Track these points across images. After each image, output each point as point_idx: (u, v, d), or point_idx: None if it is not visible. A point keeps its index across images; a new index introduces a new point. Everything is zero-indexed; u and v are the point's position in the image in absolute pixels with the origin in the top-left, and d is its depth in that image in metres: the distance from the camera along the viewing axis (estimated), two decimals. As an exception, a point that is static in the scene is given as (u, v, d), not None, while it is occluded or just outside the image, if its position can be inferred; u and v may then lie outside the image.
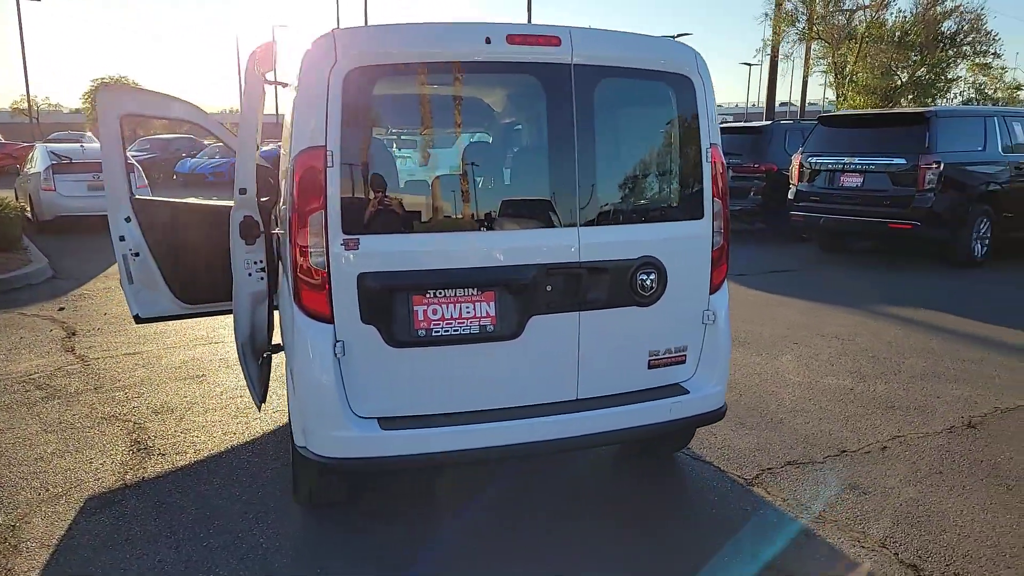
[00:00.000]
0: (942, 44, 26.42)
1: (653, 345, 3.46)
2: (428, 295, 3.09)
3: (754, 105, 67.59)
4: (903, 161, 9.46)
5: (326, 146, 2.94)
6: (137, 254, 5.41)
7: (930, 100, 25.72)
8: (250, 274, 3.65)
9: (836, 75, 28.03)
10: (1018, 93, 31.03)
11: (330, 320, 3.04)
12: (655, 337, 3.46)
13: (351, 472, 3.41)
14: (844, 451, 4.27)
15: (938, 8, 26.84)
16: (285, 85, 4.22)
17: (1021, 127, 10.58)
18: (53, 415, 4.89)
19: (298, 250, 3.02)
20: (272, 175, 4.28)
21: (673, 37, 5.30)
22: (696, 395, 3.48)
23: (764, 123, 13.77)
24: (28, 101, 42.92)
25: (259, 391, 4.00)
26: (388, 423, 3.11)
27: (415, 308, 3.09)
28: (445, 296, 3.11)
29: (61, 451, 4.34)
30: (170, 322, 5.86)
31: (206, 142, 33.66)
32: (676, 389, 3.50)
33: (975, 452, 4.25)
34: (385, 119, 3.08)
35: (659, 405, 3.39)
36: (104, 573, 3.15)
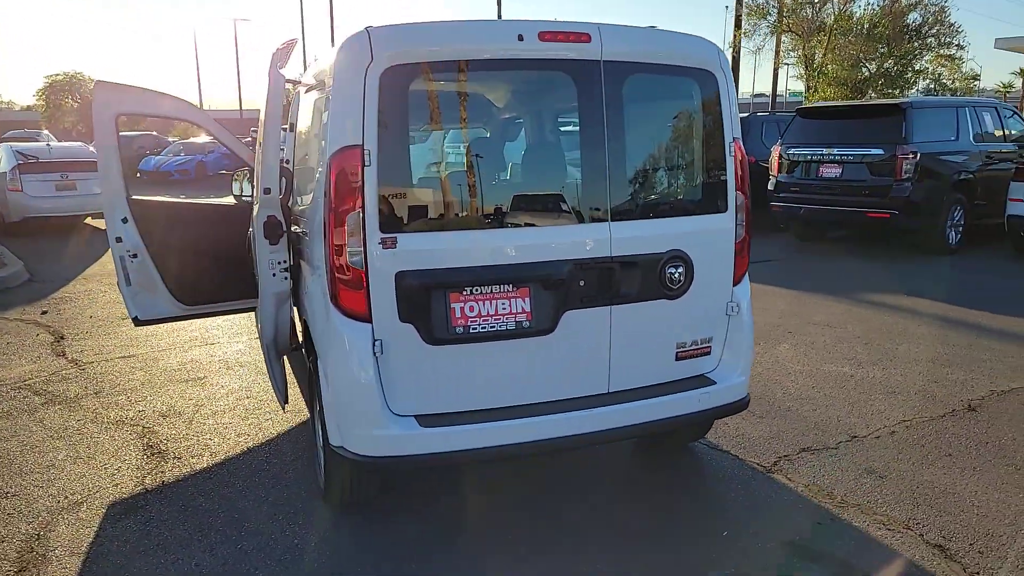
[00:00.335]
0: (908, 36, 27.08)
1: (680, 337, 3.52)
2: (465, 292, 3.10)
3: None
4: (880, 151, 9.67)
5: (363, 145, 2.93)
6: (135, 255, 5.31)
7: (897, 91, 26.36)
8: (274, 274, 3.62)
9: (806, 67, 28.56)
10: (974, 83, 31.90)
11: (368, 319, 3.04)
12: (682, 329, 3.51)
13: (391, 470, 3.41)
14: (855, 436, 4.39)
15: (903, 1, 27.51)
16: (296, 83, 4.19)
17: (990, 117, 10.90)
18: (57, 421, 4.80)
19: (334, 250, 3.01)
20: (286, 174, 4.24)
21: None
22: (722, 385, 3.55)
23: (742, 115, 13.94)
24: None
25: (283, 391, 3.98)
26: (426, 420, 3.12)
27: (452, 305, 3.10)
28: (482, 293, 3.12)
29: (72, 457, 4.26)
30: (162, 324, 5.77)
31: (169, 139, 33.06)
32: (703, 380, 3.56)
33: (979, 434, 4.39)
34: (420, 117, 3.07)
35: (689, 396, 3.45)
36: (141, 579, 3.12)
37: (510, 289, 3.16)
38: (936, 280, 8.74)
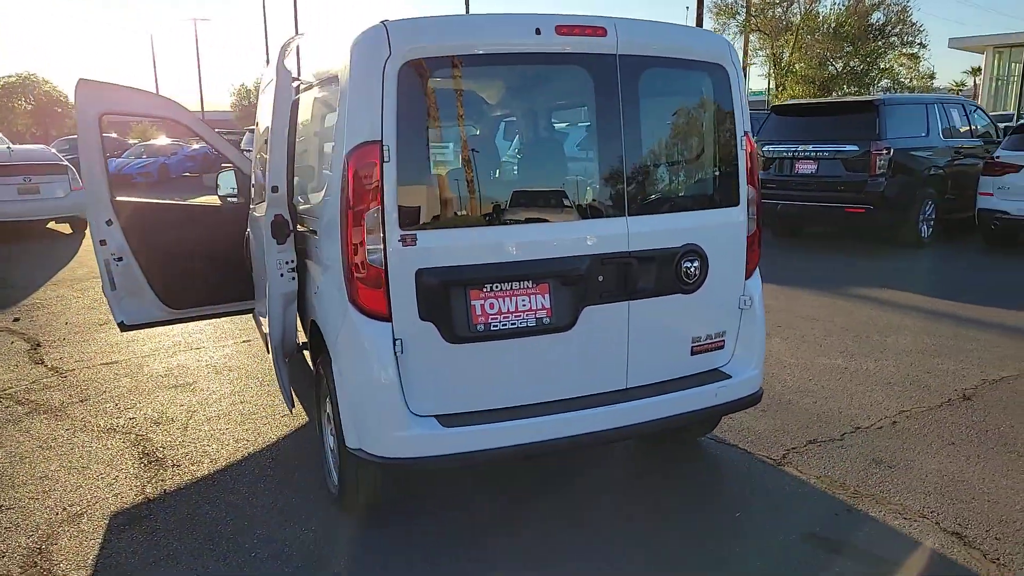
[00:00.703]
0: (873, 35, 27.69)
1: (695, 331, 3.51)
2: (485, 289, 3.06)
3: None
4: (855, 148, 9.82)
5: (382, 140, 2.87)
6: (120, 259, 5.17)
7: (863, 89, 26.93)
8: (282, 275, 3.53)
9: (774, 66, 29.02)
10: (931, 82, 32.72)
11: (388, 318, 2.97)
12: (697, 323, 3.51)
13: (413, 472, 3.35)
14: (858, 428, 4.43)
15: (867, 0, 28.12)
16: (297, 79, 4.10)
17: (957, 113, 11.16)
18: (44, 431, 4.63)
19: (352, 248, 2.94)
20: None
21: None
22: (737, 379, 3.55)
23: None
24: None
25: (290, 394, 3.88)
26: (447, 420, 3.07)
27: (473, 303, 3.05)
28: (502, 290, 3.08)
29: (66, 468, 4.11)
30: (143, 330, 5.61)
31: (130, 141, 32.36)
32: (718, 374, 3.56)
33: (978, 423, 4.47)
34: (438, 111, 3.02)
35: (706, 390, 3.45)
36: (154, 592, 3.01)
37: (530, 285, 3.12)
38: (912, 273, 8.91)
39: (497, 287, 3.07)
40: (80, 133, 4.93)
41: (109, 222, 5.08)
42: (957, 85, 54.60)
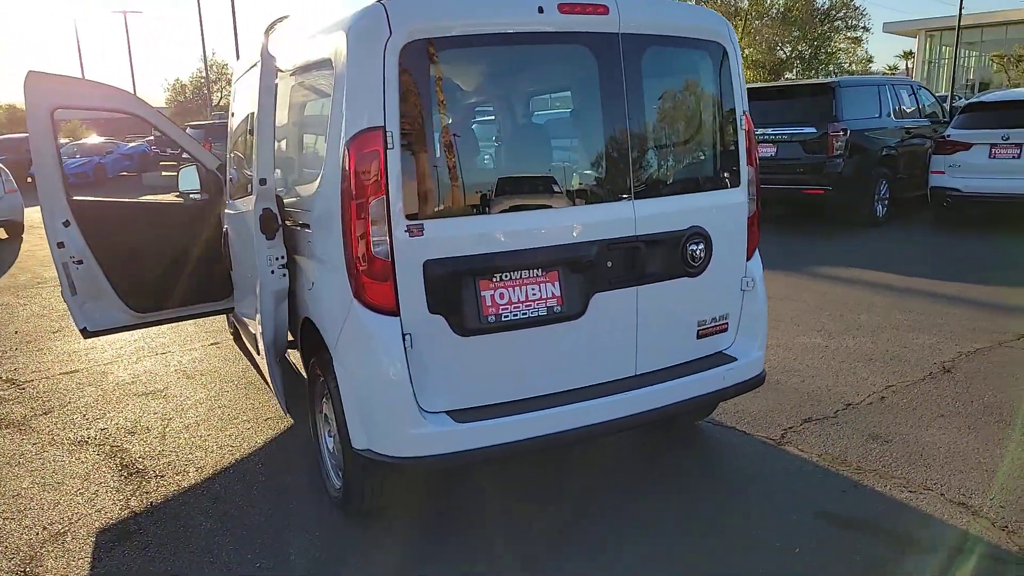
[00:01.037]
0: (819, 19, 28.28)
1: (701, 315, 3.48)
2: (495, 279, 2.96)
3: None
4: (813, 130, 9.97)
5: (384, 126, 2.74)
6: (80, 262, 4.90)
7: (812, 72, 27.52)
8: (273, 271, 3.36)
9: (726, 51, 29.33)
10: (870, 65, 33.62)
11: (396, 313, 2.85)
12: (703, 306, 3.47)
13: (426, 470, 3.23)
14: (849, 404, 4.47)
15: (812, -16, 28.77)
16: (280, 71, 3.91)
17: (906, 93, 11.43)
18: (9, 446, 4.36)
19: (356, 241, 2.80)
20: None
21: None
22: (743, 361, 3.53)
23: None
24: None
25: (284, 395, 3.72)
26: (459, 416, 2.96)
27: (483, 293, 2.95)
28: (512, 279, 2.98)
29: (40, 484, 3.87)
30: (102, 337, 5.34)
31: (62, 140, 31.04)
32: (724, 357, 3.53)
33: (962, 394, 4.56)
34: (441, 94, 2.89)
35: (714, 374, 3.41)
36: (155, 611, 2.84)
37: (539, 274, 3.03)
38: (873, 252, 9.09)
39: (507, 276, 2.97)
40: (31, 129, 4.66)
41: (67, 223, 4.81)
42: (891, 68, 56.30)
